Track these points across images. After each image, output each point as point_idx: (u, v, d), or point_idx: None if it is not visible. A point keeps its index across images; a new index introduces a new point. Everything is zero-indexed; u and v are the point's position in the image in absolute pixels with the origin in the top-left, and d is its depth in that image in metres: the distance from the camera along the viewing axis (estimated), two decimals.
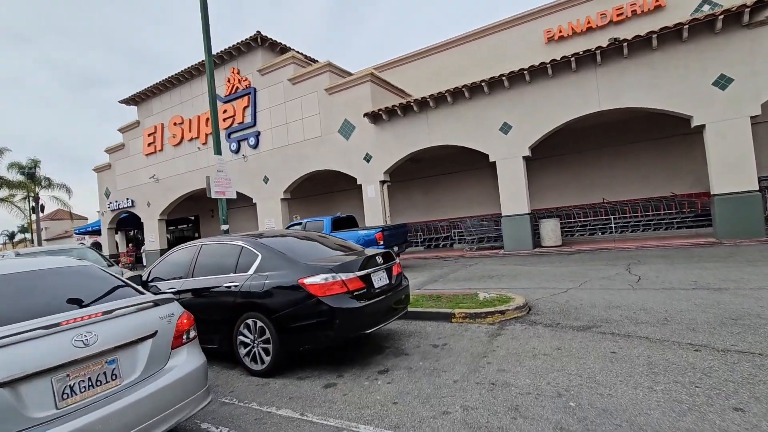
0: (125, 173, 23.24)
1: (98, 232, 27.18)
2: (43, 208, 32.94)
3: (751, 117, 9.38)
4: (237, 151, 18.16)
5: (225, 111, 18.35)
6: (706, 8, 12.73)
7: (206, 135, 18.87)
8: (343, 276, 3.78)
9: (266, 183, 17.21)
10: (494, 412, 2.77)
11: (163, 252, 19.89)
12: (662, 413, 2.53)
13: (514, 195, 12.16)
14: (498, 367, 3.53)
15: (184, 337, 2.66)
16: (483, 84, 12.04)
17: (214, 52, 17.94)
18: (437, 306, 5.59)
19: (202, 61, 18.20)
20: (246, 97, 17.69)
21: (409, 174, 17.33)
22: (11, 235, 53.94)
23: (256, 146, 17.50)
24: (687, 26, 9.48)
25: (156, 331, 2.47)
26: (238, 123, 18.00)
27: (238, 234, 4.99)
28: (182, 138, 20.13)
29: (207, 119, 18.65)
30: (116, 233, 26.62)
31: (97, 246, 32.10)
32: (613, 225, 13.21)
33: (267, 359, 3.87)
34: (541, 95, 11.59)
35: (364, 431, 2.71)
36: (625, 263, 8.31)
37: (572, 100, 11.17)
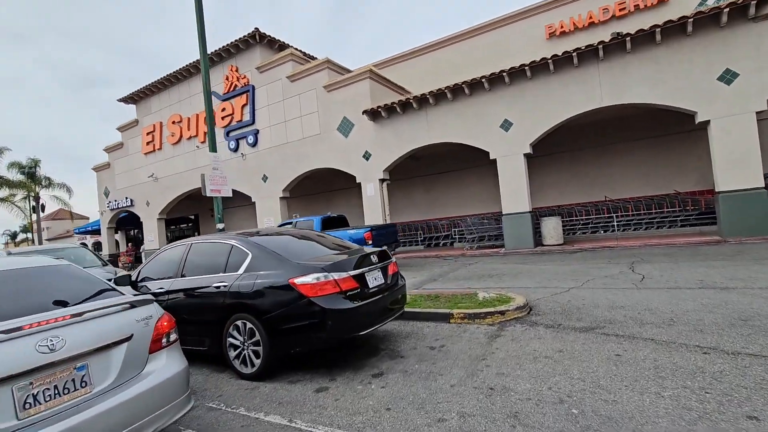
0: (124, 172, 23.13)
1: (98, 232, 27.11)
2: (43, 207, 32.91)
3: (757, 112, 9.19)
4: (236, 150, 18.02)
5: (224, 109, 18.22)
6: (710, 1, 12.52)
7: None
8: (336, 275, 3.63)
9: (265, 182, 17.06)
10: (492, 419, 2.62)
11: None
12: (671, 422, 2.38)
13: (514, 193, 11.99)
14: (497, 371, 3.37)
15: (164, 340, 2.51)
16: (483, 80, 11.87)
17: (212, 50, 17.87)
18: (435, 306, 5.44)
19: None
20: (244, 95, 17.54)
21: (409, 172, 17.17)
22: (13, 235, 54.08)
23: (254, 144, 17.35)
24: (691, 20, 9.29)
25: (132, 335, 2.32)
26: (237, 121, 17.86)
27: (230, 232, 4.85)
28: (181, 136, 20.00)
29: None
30: (116, 232, 26.54)
31: (96, 246, 32.07)
32: (615, 223, 13.03)
33: (257, 362, 3.73)
34: (543, 91, 11.41)
35: None
36: (628, 262, 8.15)
37: (574, 96, 10.98)
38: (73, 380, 2.03)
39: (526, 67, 11.25)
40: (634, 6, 13.88)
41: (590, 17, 14.54)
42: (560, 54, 10.82)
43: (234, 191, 18.01)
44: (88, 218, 43.57)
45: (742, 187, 9.30)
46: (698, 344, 3.49)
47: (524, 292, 6.03)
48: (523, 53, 14.00)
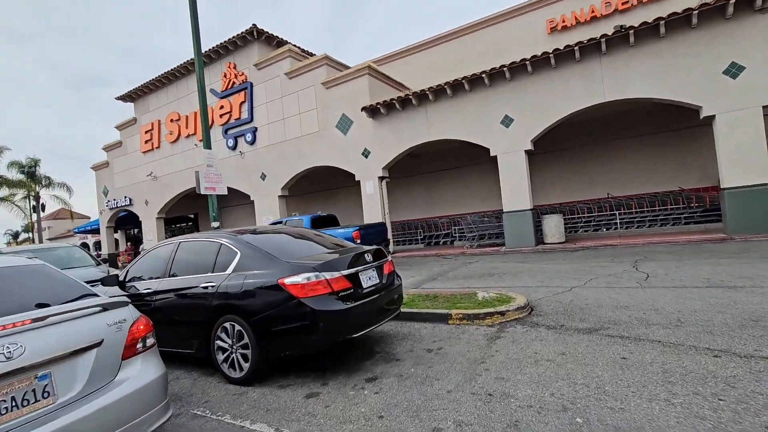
0: (123, 171, 23.01)
1: (98, 231, 27.01)
2: (43, 207, 32.83)
3: (764, 107, 8.97)
4: (234, 148, 17.86)
5: (222, 107, 18.07)
6: None
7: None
8: (328, 275, 3.47)
9: (264, 180, 16.91)
10: (491, 428, 2.46)
11: None
12: None
13: (515, 190, 11.80)
14: (496, 375, 3.21)
15: (139, 345, 2.36)
16: (483, 75, 11.68)
17: (210, 47, 17.71)
18: (433, 306, 5.27)
19: None
20: (242, 93, 17.37)
21: (409, 170, 16.99)
22: (15, 235, 54.15)
23: (253, 142, 17.19)
24: (696, 12, 9.08)
25: (102, 340, 2.16)
26: (235, 119, 17.70)
27: (221, 230, 4.70)
28: (179, 135, 19.86)
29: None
30: (116, 232, 26.43)
31: (97, 245, 31.97)
32: (618, 220, 12.84)
33: (246, 366, 3.57)
34: (544, 87, 11.21)
35: None
36: (631, 260, 7.97)
37: (576, 91, 10.79)
38: (34, 391, 1.87)
39: (527, 62, 11.06)
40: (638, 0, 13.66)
41: (592, 11, 14.32)
42: (562, 48, 10.62)
43: (233, 190, 18.03)
44: (89, 217, 43.55)
45: (748, 184, 9.09)
46: (708, 346, 3.32)
47: (525, 292, 5.86)
48: (524, 48, 13.77)
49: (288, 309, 3.37)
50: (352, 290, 3.60)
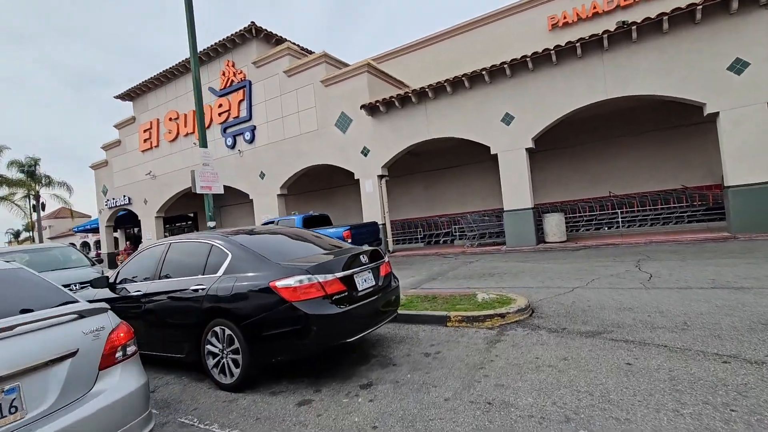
0: (122, 170, 22.91)
1: (98, 230, 26.92)
2: (43, 206, 32.79)
3: None
4: (233, 147, 17.74)
5: (220, 105, 17.94)
6: None
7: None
8: (321, 278, 3.34)
9: (262, 178, 16.79)
10: None
11: None
12: None
13: (516, 189, 11.66)
14: (496, 382, 3.08)
15: (118, 354, 2.23)
16: (484, 73, 11.52)
17: (208, 45, 17.57)
18: (432, 308, 5.15)
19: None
20: (241, 91, 17.24)
21: (409, 168, 16.86)
22: (17, 234, 54.21)
23: (251, 141, 17.06)
24: (700, 7, 8.92)
25: (77, 350, 2.04)
26: (234, 117, 17.57)
27: (213, 231, 4.57)
28: (178, 133, 19.74)
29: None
30: (115, 231, 26.34)
31: (97, 244, 31.86)
32: (620, 219, 12.69)
33: (236, 372, 3.45)
34: (545, 84, 11.06)
35: None
36: (634, 259, 7.83)
37: (577, 88, 10.63)
38: (0, 405, 1.75)
39: (528, 59, 10.90)
40: None
41: (594, 7, 14.15)
42: (563, 45, 10.47)
43: (232, 189, 17.92)
44: (90, 216, 43.52)
45: (753, 182, 8.94)
46: (717, 352, 3.19)
47: (526, 293, 5.74)
48: (525, 45, 13.62)
49: (279, 313, 3.25)
50: (346, 293, 3.47)
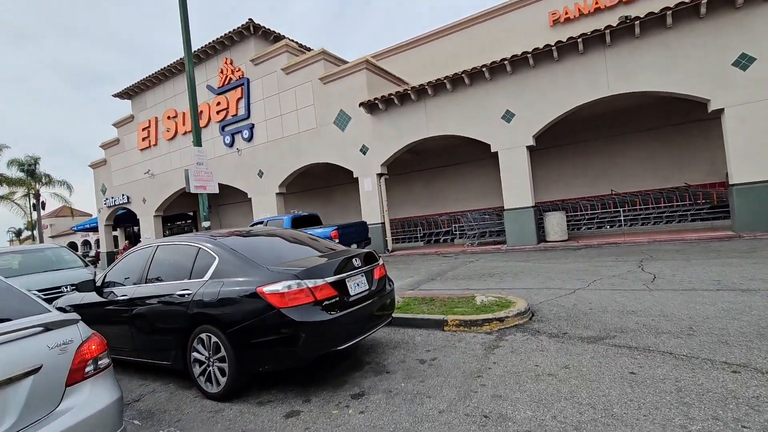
0: (121, 169, 22.80)
1: (97, 229, 26.85)
2: (44, 205, 32.72)
3: None
4: (231, 145, 17.60)
5: (219, 103, 17.79)
6: None
7: (201, 128, 18.23)
8: (310, 283, 3.20)
9: (261, 177, 16.65)
10: None
11: None
12: None
13: (517, 187, 11.49)
14: (493, 392, 2.94)
15: (89, 368, 2.09)
16: (484, 69, 11.34)
17: (206, 43, 17.41)
18: (429, 311, 5.00)
19: (195, 51, 17.60)
20: (239, 89, 17.08)
21: (408, 166, 16.70)
22: (18, 233, 54.28)
23: (250, 139, 16.92)
24: (705, 1, 8.72)
25: (41, 366, 1.90)
26: (232, 115, 17.42)
27: (203, 232, 4.43)
28: (176, 132, 19.61)
29: (201, 112, 18.07)
30: (115, 230, 26.25)
31: (86, 244, 31.77)
32: (622, 218, 12.52)
33: (223, 381, 3.31)
34: (546, 80, 10.87)
35: None
36: (636, 259, 7.68)
37: (579, 84, 10.45)
38: None
39: (529, 55, 10.72)
40: None
41: (596, 2, 13.92)
42: (565, 40, 10.28)
43: (230, 187, 17.80)
44: (91, 215, 43.48)
45: (759, 180, 8.77)
46: (725, 360, 3.04)
47: (526, 294, 5.59)
48: (526, 41, 13.38)
49: (267, 320, 3.11)
50: (337, 298, 3.33)
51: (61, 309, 4.84)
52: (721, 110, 9.11)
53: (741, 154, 8.95)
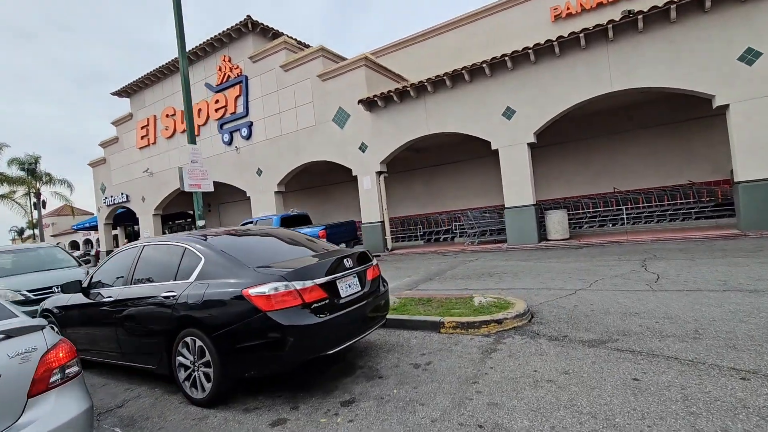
0: (120, 167, 22.71)
1: (97, 228, 26.80)
2: (44, 204, 32.69)
3: None
4: (230, 143, 17.48)
5: (217, 101, 17.66)
6: None
7: (198, 126, 18.13)
8: (298, 284, 3.06)
9: (260, 175, 16.52)
10: None
11: None
12: None
13: (517, 185, 11.33)
14: (489, 399, 2.80)
15: (55, 377, 1.96)
16: (484, 65, 11.17)
17: (205, 39, 17.27)
18: (426, 312, 4.86)
19: (193, 48, 17.47)
20: (238, 86, 16.94)
21: (408, 164, 16.54)
22: (20, 231, 54.40)
23: (248, 137, 16.79)
24: None
25: None
26: (231, 113, 17.29)
27: (190, 232, 4.30)
28: (175, 130, 19.48)
29: (199, 110, 17.97)
30: (115, 228, 26.19)
31: (87, 242, 31.75)
32: (624, 216, 12.34)
33: (208, 386, 3.18)
34: (548, 76, 10.69)
35: None
36: (639, 258, 7.52)
37: (581, 80, 10.27)
38: None
39: (530, 51, 10.54)
40: None
41: None
42: (566, 36, 10.09)
43: (229, 186, 17.68)
44: (92, 214, 43.46)
45: (765, 177, 8.59)
46: (733, 365, 2.89)
47: (525, 295, 5.45)
48: (527, 37, 13.18)
49: (253, 323, 2.97)
50: (327, 301, 3.19)
51: (47, 310, 4.75)
52: (726, 106, 8.92)
53: (746, 151, 8.77)
